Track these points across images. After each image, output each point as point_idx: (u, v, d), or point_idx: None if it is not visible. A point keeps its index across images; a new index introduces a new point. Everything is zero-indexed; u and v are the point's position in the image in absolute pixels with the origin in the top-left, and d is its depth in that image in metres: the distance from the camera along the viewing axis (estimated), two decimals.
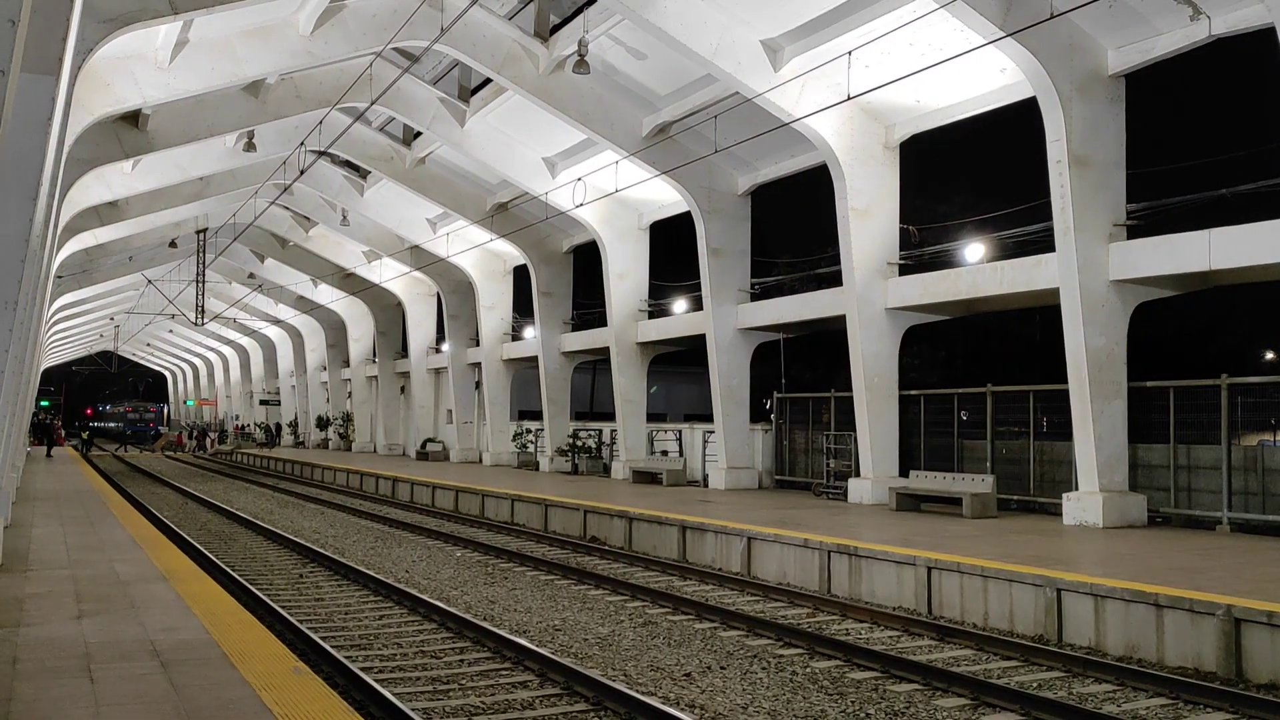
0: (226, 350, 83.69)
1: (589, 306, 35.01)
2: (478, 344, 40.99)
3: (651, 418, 32.28)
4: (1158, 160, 18.55)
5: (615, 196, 27.54)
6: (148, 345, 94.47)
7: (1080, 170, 17.09)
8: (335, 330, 58.47)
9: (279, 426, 67.42)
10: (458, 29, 22.63)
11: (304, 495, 30.94)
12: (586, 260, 35.04)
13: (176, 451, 67.32)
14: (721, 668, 9.80)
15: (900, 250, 22.01)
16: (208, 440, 66.63)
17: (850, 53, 18.24)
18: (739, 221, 26.65)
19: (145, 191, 32.65)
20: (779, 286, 26.92)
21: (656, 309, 31.01)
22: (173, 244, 46.08)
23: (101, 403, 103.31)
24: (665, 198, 28.70)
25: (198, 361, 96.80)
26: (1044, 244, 18.50)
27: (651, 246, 31.41)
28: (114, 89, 21.66)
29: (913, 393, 22.76)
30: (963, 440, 21.68)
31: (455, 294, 42.66)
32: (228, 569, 14.96)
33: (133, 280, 53.87)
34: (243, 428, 74.52)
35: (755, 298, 26.36)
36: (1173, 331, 40.54)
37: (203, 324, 54.99)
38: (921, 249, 22.19)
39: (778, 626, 11.33)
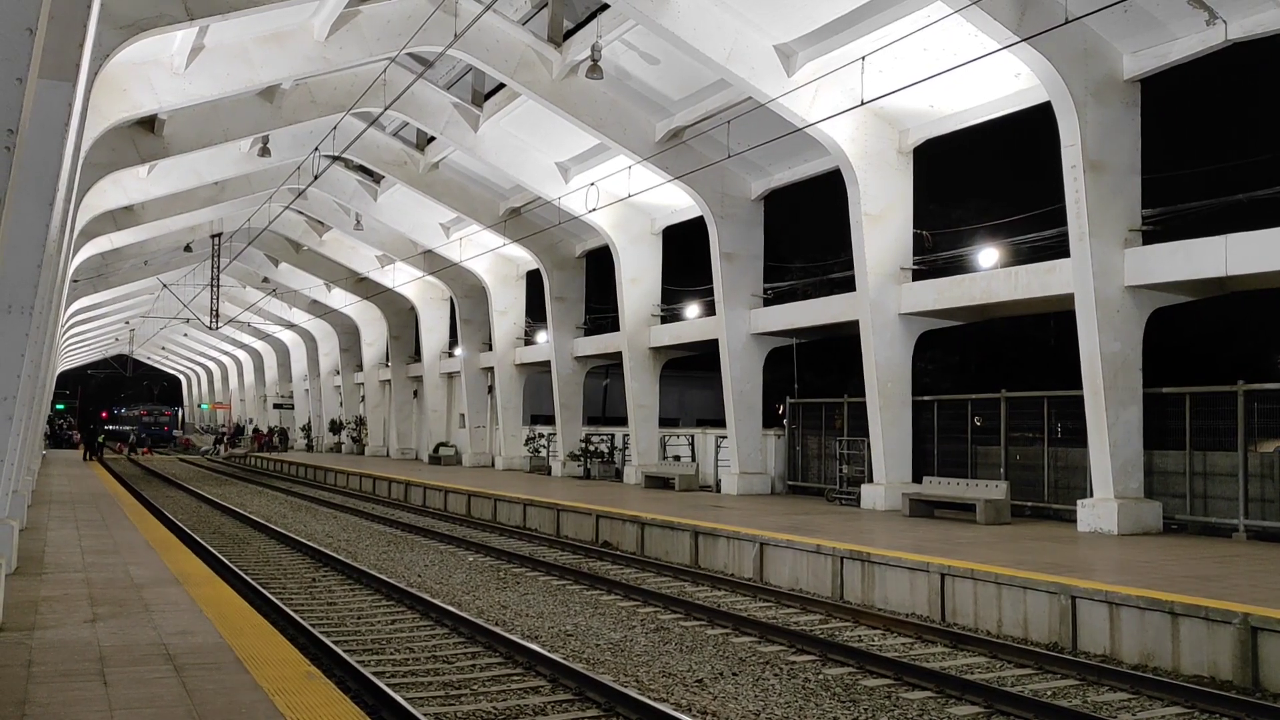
0: (240, 354, 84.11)
1: (602, 311, 35.03)
2: (490, 348, 41.05)
3: (664, 422, 32.27)
4: (1174, 165, 18.45)
5: (628, 201, 27.57)
6: (162, 349, 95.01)
7: (1095, 175, 17.01)
8: (348, 334, 58.63)
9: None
10: (471, 34, 22.68)
11: (317, 499, 31.01)
12: (599, 265, 35.08)
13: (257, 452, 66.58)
14: (734, 674, 9.77)
15: (914, 255, 21.97)
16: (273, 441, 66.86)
17: (864, 58, 18.21)
18: (752, 226, 26.66)
19: (161, 196, 32.86)
20: (792, 291, 26.88)
21: (669, 314, 31.01)
22: (188, 248, 46.40)
23: (116, 406, 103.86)
24: (678, 203, 28.71)
25: (212, 365, 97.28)
26: (1059, 249, 18.43)
27: (664, 251, 31.45)
28: (130, 95, 21.82)
29: (926, 398, 22.70)
30: (976, 446, 21.59)
31: (468, 298, 42.77)
32: (241, 573, 15.00)
33: (148, 284, 54.19)
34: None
35: (768, 303, 26.34)
36: (1189, 337, 40.21)
37: (217, 328, 55.24)
38: (935, 254, 22.14)
39: (790, 633, 11.30)
